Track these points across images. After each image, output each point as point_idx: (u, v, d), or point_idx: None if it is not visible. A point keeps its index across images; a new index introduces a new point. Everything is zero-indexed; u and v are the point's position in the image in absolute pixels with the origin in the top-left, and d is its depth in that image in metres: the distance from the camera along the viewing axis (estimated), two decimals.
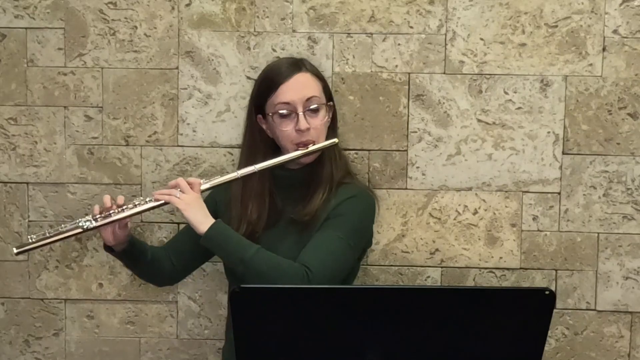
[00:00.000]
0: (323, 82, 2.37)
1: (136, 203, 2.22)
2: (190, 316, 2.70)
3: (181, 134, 2.63)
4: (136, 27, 2.61)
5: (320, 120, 2.30)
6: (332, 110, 2.36)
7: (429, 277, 2.64)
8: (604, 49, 2.55)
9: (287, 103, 2.27)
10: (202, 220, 2.19)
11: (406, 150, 2.60)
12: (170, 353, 2.72)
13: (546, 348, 2.12)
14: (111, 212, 2.19)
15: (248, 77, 2.59)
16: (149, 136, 2.64)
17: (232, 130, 2.61)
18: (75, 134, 2.65)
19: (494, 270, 2.62)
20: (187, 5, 2.60)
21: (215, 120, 2.62)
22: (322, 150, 2.30)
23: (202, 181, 2.24)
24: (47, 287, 2.70)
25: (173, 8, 2.60)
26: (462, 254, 2.62)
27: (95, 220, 2.18)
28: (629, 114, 2.57)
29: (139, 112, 2.63)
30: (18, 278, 2.70)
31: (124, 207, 2.20)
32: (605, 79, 2.56)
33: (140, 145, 2.64)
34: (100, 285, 2.70)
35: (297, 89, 2.28)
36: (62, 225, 2.21)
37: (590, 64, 2.56)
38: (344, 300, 1.84)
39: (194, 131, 2.63)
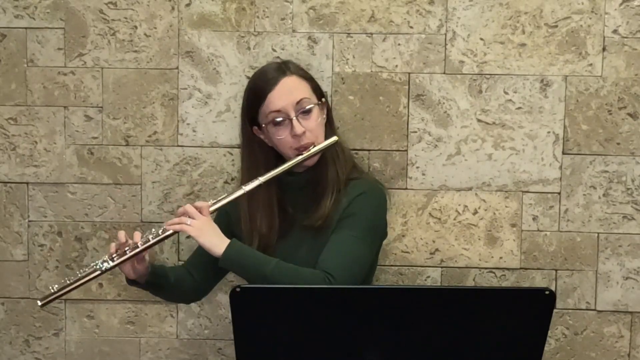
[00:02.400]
0: (310, 81, 2.32)
1: (149, 237, 2.18)
2: (190, 316, 2.70)
3: (181, 134, 2.63)
4: (136, 27, 2.61)
5: (315, 120, 2.26)
6: (325, 108, 2.33)
7: (429, 277, 2.64)
8: (604, 49, 2.55)
9: (279, 111, 2.24)
10: (217, 243, 2.17)
11: (406, 150, 2.60)
12: (170, 353, 2.72)
13: (546, 348, 2.12)
14: (126, 249, 2.17)
15: (248, 77, 2.59)
16: (149, 136, 2.64)
17: (232, 130, 2.61)
18: (75, 134, 2.65)
19: (494, 270, 2.62)
20: (187, 5, 2.59)
21: (215, 120, 2.62)
22: (323, 150, 2.29)
23: (209, 203, 2.21)
24: (47, 287, 2.69)
25: (173, 8, 2.60)
26: (462, 254, 2.62)
27: (112, 259, 2.17)
28: (629, 114, 2.57)
29: (139, 112, 2.63)
30: (18, 278, 2.70)
31: (138, 243, 2.17)
32: (605, 79, 2.56)
33: (140, 145, 2.64)
34: (100, 285, 2.70)
35: (285, 94, 2.24)
36: (81, 270, 2.21)
37: (590, 64, 2.56)
38: (343, 300, 1.84)
39: (194, 131, 2.63)
